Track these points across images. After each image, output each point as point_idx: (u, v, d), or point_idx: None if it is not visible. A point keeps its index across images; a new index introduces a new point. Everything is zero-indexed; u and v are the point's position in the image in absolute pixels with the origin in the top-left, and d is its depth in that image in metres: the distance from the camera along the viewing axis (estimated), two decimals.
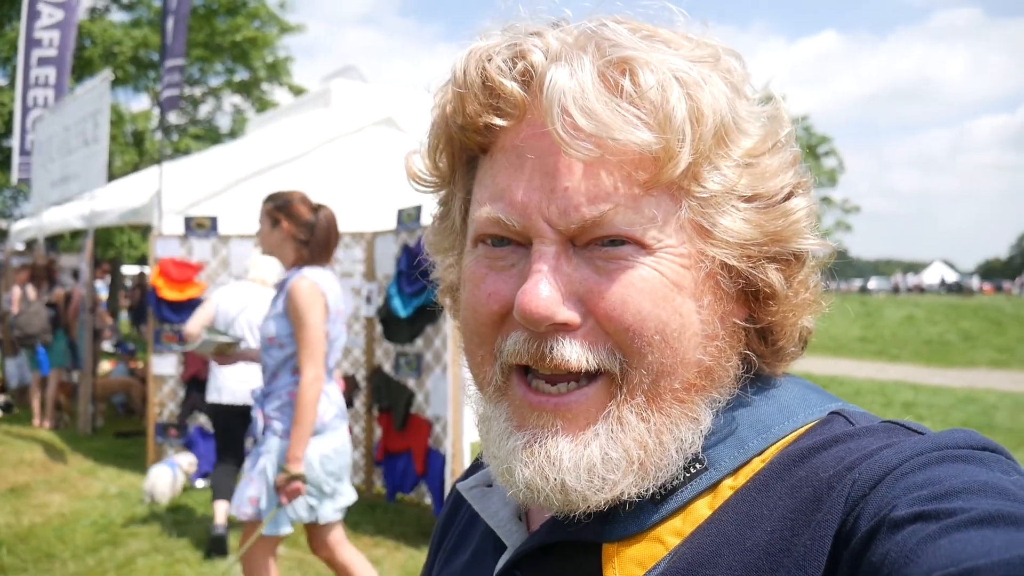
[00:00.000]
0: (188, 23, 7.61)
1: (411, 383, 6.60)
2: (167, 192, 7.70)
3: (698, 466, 0.65)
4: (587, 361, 0.63)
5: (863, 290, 47.31)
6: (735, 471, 0.65)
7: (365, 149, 8.71)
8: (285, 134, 9.03)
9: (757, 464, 0.65)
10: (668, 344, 0.63)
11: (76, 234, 13.22)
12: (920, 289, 50.19)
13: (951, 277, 66.76)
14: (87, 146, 9.10)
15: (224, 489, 5.61)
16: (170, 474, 6.66)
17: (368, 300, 6.99)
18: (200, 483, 7.09)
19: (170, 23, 7.43)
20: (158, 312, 7.43)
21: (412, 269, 6.47)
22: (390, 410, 6.71)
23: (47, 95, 12.04)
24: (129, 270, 20.48)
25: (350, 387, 7.11)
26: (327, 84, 10.80)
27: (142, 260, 18.57)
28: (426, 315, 6.43)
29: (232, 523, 5.66)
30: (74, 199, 9.52)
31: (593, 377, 0.65)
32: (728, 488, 0.64)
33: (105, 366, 11.72)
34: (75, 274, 10.95)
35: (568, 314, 0.63)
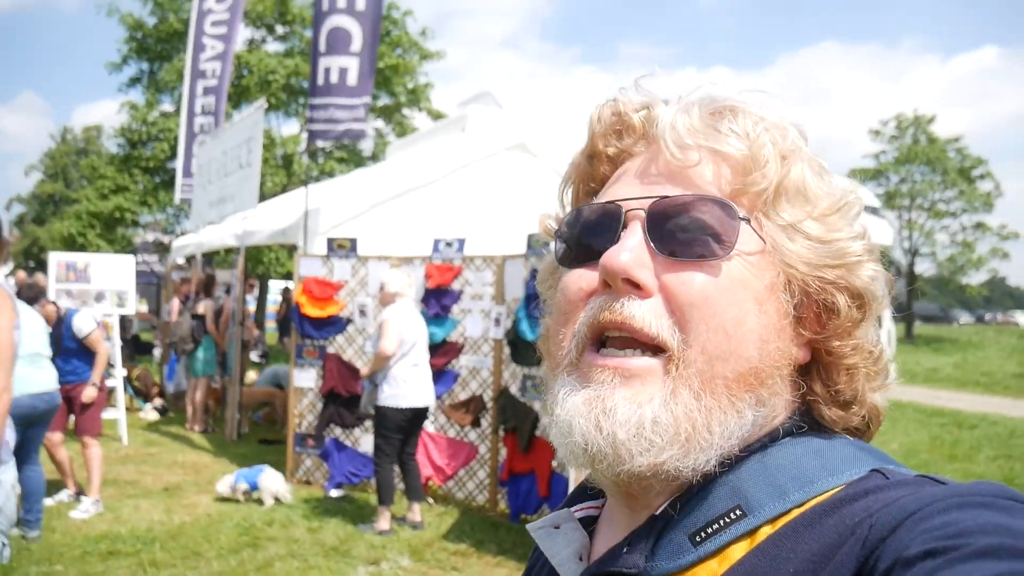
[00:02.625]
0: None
1: (537, 405, 6.68)
2: (312, 214, 8.14)
3: (738, 512, 0.68)
4: (649, 325, 0.69)
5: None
6: (773, 520, 0.67)
7: (498, 173, 8.92)
8: (422, 159, 9.36)
9: (795, 513, 0.67)
10: (724, 330, 0.69)
11: (229, 251, 14.13)
12: None
13: None
14: (241, 169, 9.74)
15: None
16: (278, 478, 7.09)
17: (497, 322, 7.14)
18: (334, 492, 7.41)
19: (338, 61, 7.91)
20: (300, 328, 7.84)
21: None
22: (515, 431, 6.80)
23: (210, 122, 12.98)
24: (276, 284, 21.66)
25: (478, 407, 7.27)
26: (463, 110, 11.13)
27: (288, 276, 19.61)
28: None
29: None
30: (229, 219, 10.18)
31: (656, 352, 0.70)
32: (765, 534, 0.67)
33: (251, 375, 12.43)
34: (228, 289, 11.70)
35: (643, 274, 0.70)
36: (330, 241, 7.82)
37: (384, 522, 6.35)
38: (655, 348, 0.70)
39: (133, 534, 6.06)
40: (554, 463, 6.47)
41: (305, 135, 21.90)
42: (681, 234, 0.71)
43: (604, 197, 0.78)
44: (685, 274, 0.70)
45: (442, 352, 7.41)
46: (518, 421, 6.78)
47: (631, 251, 0.71)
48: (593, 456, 0.69)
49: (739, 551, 0.67)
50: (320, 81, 8.01)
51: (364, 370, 6.70)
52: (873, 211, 16.91)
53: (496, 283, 7.18)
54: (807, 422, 0.75)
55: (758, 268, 0.72)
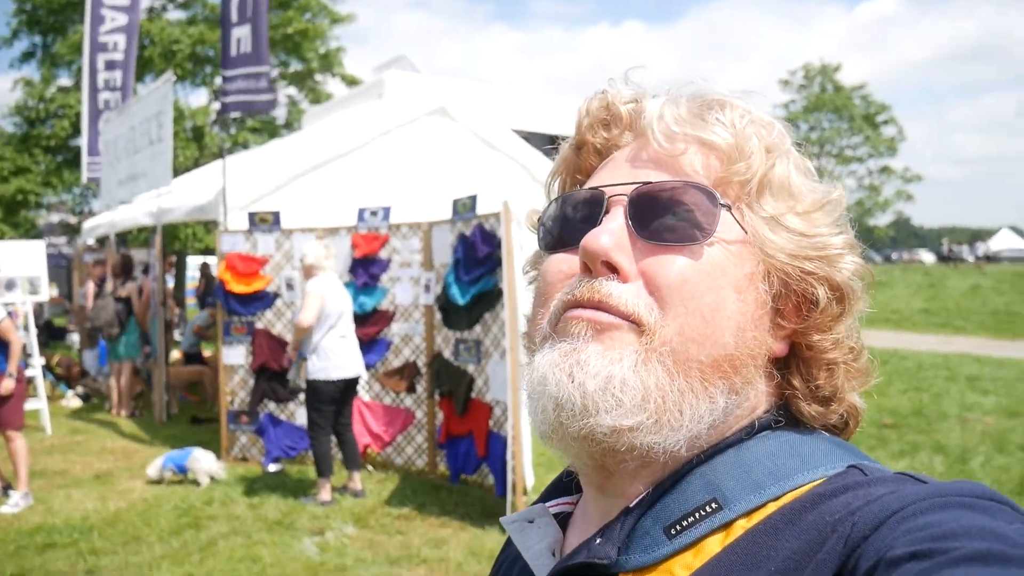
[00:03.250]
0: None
1: (471, 368, 6.77)
2: (230, 188, 7.98)
3: (714, 505, 0.68)
4: (627, 303, 0.69)
5: (948, 259, 45.74)
6: (750, 513, 0.67)
7: (419, 140, 8.87)
8: (341, 127, 9.23)
9: (772, 508, 0.67)
10: (702, 314, 0.69)
11: (143, 229, 13.71)
12: (987, 258, 48.63)
13: (1020, 244, 64.59)
14: (152, 145, 9.44)
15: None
16: (210, 457, 7.06)
17: (427, 289, 7.18)
18: (272, 467, 7.40)
19: (244, 30, 7.68)
20: (226, 305, 7.73)
21: (469, 258, 6.62)
22: (451, 395, 6.90)
23: (116, 98, 12.47)
24: (194, 260, 21.12)
25: (412, 373, 7.33)
26: (380, 75, 10.98)
27: (206, 251, 19.12)
28: (484, 302, 6.59)
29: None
30: (142, 196, 9.89)
31: (629, 319, 0.70)
32: (741, 528, 0.67)
33: (176, 355, 12.18)
34: (145, 269, 11.39)
35: (622, 258, 0.70)
36: (251, 215, 7.69)
37: (325, 493, 6.39)
38: (631, 321, 0.70)
39: (68, 524, 5.96)
40: (490, 423, 6.59)
41: (216, 106, 21.28)
42: (662, 219, 0.71)
43: (589, 184, 0.79)
44: (665, 257, 0.71)
45: (373, 321, 7.42)
46: (453, 385, 6.87)
47: (611, 234, 0.71)
48: (561, 405, 0.69)
49: (715, 545, 0.66)
50: (233, 52, 7.80)
51: (291, 344, 6.70)
52: None
53: (424, 250, 7.20)
54: (785, 417, 0.75)
55: (738, 256, 0.72)
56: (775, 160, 0.74)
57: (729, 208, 0.72)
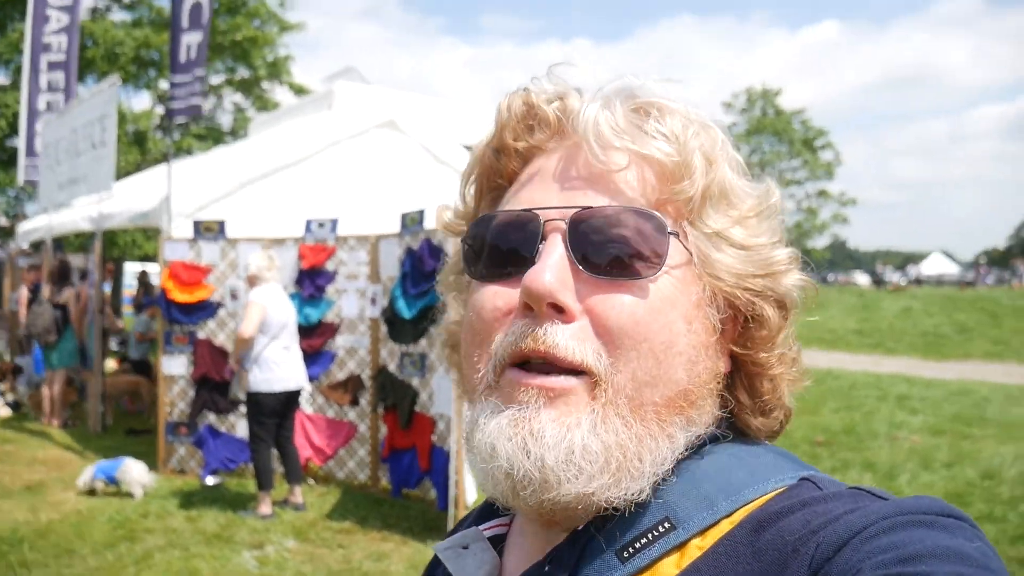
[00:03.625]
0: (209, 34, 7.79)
1: (415, 382, 6.79)
2: (175, 195, 7.88)
3: (667, 525, 0.65)
4: (573, 352, 0.65)
5: (878, 282, 47.26)
6: (703, 531, 0.65)
7: (368, 152, 8.88)
8: (289, 136, 9.19)
9: (725, 525, 0.65)
10: (654, 354, 0.65)
11: (79, 235, 13.38)
12: (917, 281, 50.28)
13: (951, 268, 66.92)
14: (95, 149, 9.26)
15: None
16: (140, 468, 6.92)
17: (373, 302, 7.19)
18: (210, 480, 7.29)
19: (196, 37, 7.62)
20: (168, 314, 7.61)
21: (416, 272, 6.65)
22: (395, 408, 6.90)
23: (57, 99, 12.19)
24: (132, 267, 20.66)
25: (356, 386, 7.31)
26: (329, 86, 10.95)
27: (145, 258, 18.75)
28: (430, 316, 6.62)
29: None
30: (81, 201, 9.68)
31: (579, 374, 0.66)
32: (696, 548, 0.64)
33: (110, 365, 11.91)
34: (83, 275, 11.13)
35: (568, 298, 0.66)
36: (196, 223, 7.61)
37: (266, 507, 6.33)
38: (579, 370, 0.67)
39: None
40: (434, 437, 6.62)
41: (160, 110, 20.93)
42: (606, 250, 0.67)
43: (517, 200, 0.73)
44: (614, 297, 0.66)
45: (318, 333, 7.39)
46: (397, 398, 6.88)
47: (554, 270, 0.66)
48: (518, 481, 0.65)
49: (670, 567, 0.64)
50: (182, 58, 7.72)
51: (232, 356, 6.65)
52: None
53: (371, 263, 7.21)
54: (731, 430, 0.73)
55: (684, 283, 0.69)
56: (716, 170, 0.70)
57: (676, 235, 0.69)
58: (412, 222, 6.80)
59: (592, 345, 0.66)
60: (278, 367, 6.29)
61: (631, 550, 0.65)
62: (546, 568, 0.68)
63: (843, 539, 0.57)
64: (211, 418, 7.58)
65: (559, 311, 0.66)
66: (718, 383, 0.72)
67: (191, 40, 7.66)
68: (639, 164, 0.69)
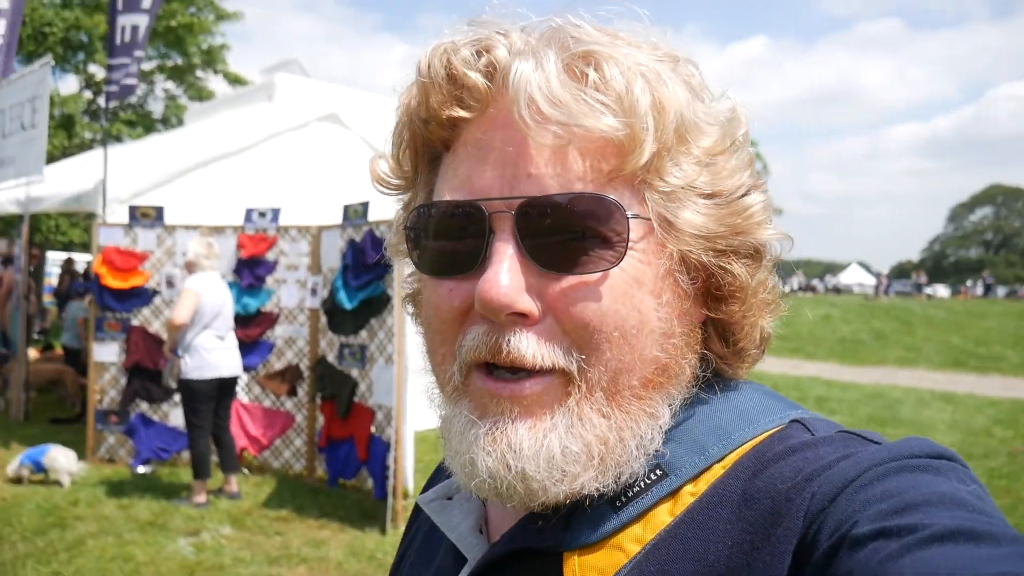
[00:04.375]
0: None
1: (355, 373, 6.85)
2: (110, 181, 7.75)
3: (659, 472, 0.65)
4: (542, 358, 0.63)
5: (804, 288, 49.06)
6: (695, 477, 0.64)
7: (310, 144, 8.87)
8: (229, 126, 9.11)
9: (717, 470, 0.64)
10: (627, 341, 0.63)
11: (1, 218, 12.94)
12: (836, 290, 52.14)
13: (868, 279, 69.43)
14: (24, 131, 9.03)
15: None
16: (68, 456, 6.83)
17: (313, 292, 7.21)
18: (141, 469, 7.20)
19: (137, 19, 7.51)
20: (100, 300, 7.48)
21: (357, 263, 6.71)
22: (334, 398, 6.94)
23: None
24: (55, 256, 20.01)
25: (294, 376, 7.32)
26: (270, 77, 10.87)
27: (69, 246, 18.19)
28: (371, 308, 6.69)
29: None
30: (7, 183, 9.41)
31: (550, 372, 0.64)
32: (689, 495, 0.64)
33: (32, 353, 11.57)
34: (5, 260, 10.80)
35: (528, 303, 0.62)
36: (132, 209, 7.50)
37: (200, 495, 6.30)
38: (548, 369, 0.64)
39: None
40: (372, 428, 6.68)
41: (88, 94, 20.34)
42: (560, 244, 0.62)
43: (457, 180, 0.67)
44: (576, 291, 0.63)
45: (256, 323, 7.38)
46: (336, 388, 6.92)
47: (508, 275, 0.62)
48: (503, 493, 0.64)
49: (664, 515, 0.64)
50: (118, 40, 7.60)
51: (166, 344, 6.62)
52: None
53: (312, 253, 7.23)
54: (710, 373, 0.71)
55: (649, 256, 0.64)
56: (667, 116, 0.63)
57: (636, 216, 0.63)
58: (355, 214, 6.86)
59: (561, 344, 0.63)
60: (209, 354, 6.27)
61: (623, 499, 0.64)
62: (539, 522, 0.66)
63: (837, 488, 0.57)
64: (143, 406, 7.49)
65: (521, 316, 0.63)
66: (696, 344, 0.69)
67: (129, 22, 7.54)
68: (583, 137, 0.62)
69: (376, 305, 6.66)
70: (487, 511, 0.76)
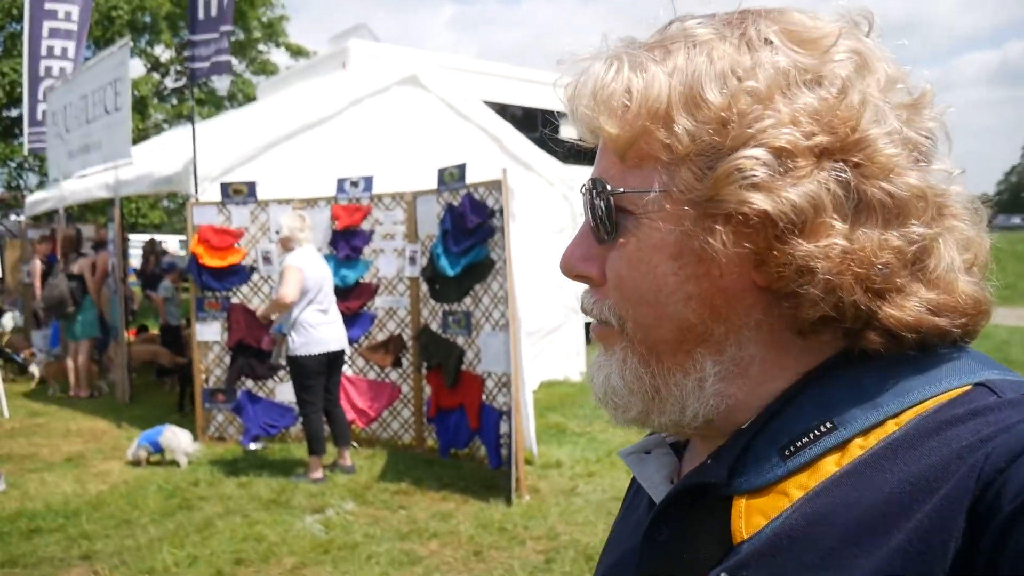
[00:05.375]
0: None
1: (460, 341, 6.71)
2: (201, 158, 7.68)
3: (829, 425, 0.64)
4: (596, 313, 0.74)
5: None
6: (866, 431, 0.63)
7: (392, 109, 8.66)
8: (307, 96, 8.96)
9: (890, 426, 0.63)
10: (646, 302, 0.69)
11: (85, 205, 13.15)
12: None
13: None
14: (108, 115, 9.04)
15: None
16: (184, 436, 6.85)
17: (412, 261, 7.06)
18: (252, 446, 7.22)
19: None
20: (199, 280, 7.48)
21: (457, 228, 6.52)
22: (440, 368, 6.82)
23: (62, 66, 11.87)
24: (136, 238, 20.40)
25: (397, 346, 7.22)
26: (342, 45, 10.68)
27: (151, 228, 18.47)
28: (474, 273, 6.51)
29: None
30: (95, 169, 9.47)
31: (608, 323, 0.74)
32: (858, 448, 0.63)
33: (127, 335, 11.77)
34: (96, 244, 10.95)
35: (584, 268, 0.74)
36: (224, 187, 7.44)
37: (317, 471, 6.26)
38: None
39: (51, 508, 5.71)
40: (483, 396, 6.54)
41: (156, 76, 20.51)
42: (599, 218, 0.71)
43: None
44: (611, 259, 0.71)
45: (356, 295, 7.28)
46: (442, 357, 6.80)
47: (575, 245, 0.75)
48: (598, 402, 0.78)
49: (830, 465, 0.63)
50: (201, 15, 7.47)
51: (260, 309, 6.56)
52: None
53: (408, 221, 7.07)
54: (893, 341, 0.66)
55: (669, 221, 0.67)
56: (643, 104, 0.66)
57: (650, 179, 0.68)
58: (451, 178, 6.66)
59: (607, 303, 0.73)
60: (316, 330, 6.18)
61: (792, 448, 0.65)
62: (708, 462, 0.70)
63: (1016, 450, 0.54)
64: (249, 384, 7.49)
65: (587, 279, 0.74)
66: (747, 305, 0.67)
67: None
68: (603, 136, 0.71)
69: (480, 270, 6.48)
70: (680, 465, 0.81)
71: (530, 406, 6.15)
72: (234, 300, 7.51)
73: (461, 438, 6.72)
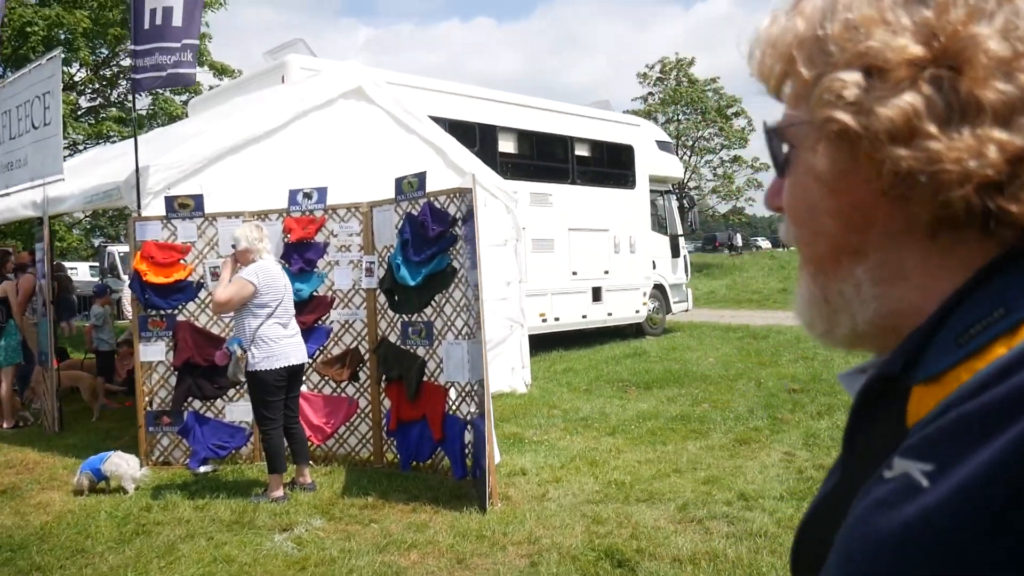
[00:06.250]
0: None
1: (421, 351, 6.62)
2: (143, 172, 7.39)
3: (1001, 311, 0.65)
4: (787, 239, 0.80)
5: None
6: None
7: (339, 122, 8.54)
8: (249, 111, 8.73)
9: None
10: (804, 222, 0.76)
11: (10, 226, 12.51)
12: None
13: None
14: (36, 130, 8.64)
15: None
16: (132, 461, 6.55)
17: (369, 272, 6.95)
18: (202, 469, 6.94)
19: (175, 2, 7.15)
20: (143, 298, 7.18)
21: (418, 238, 6.46)
22: (401, 380, 6.71)
23: None
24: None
25: (354, 360, 7.07)
26: (280, 59, 10.50)
27: (64, 252, 17.65)
28: (436, 282, 6.46)
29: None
30: (23, 186, 9.02)
31: None
32: None
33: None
34: (17, 267, 10.41)
35: (773, 201, 0.81)
36: (169, 200, 7.19)
37: (278, 490, 6.06)
38: None
39: None
40: (447, 405, 6.47)
41: (73, 96, 19.71)
42: (771, 154, 0.79)
43: None
44: (784, 189, 0.78)
45: (310, 309, 7.11)
46: (403, 369, 6.69)
47: (771, 183, 0.82)
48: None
49: (1001, 348, 0.63)
50: (146, 24, 7.22)
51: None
52: (666, 147, 18.04)
53: (364, 232, 6.96)
54: None
55: (811, 150, 0.73)
56: (778, 46, 0.75)
57: (802, 112, 0.73)
58: (410, 187, 6.60)
59: (790, 230, 0.79)
60: (276, 343, 6.02)
61: (966, 336, 0.66)
62: (888, 357, 0.72)
63: None
64: (197, 404, 7.22)
65: (779, 210, 0.81)
66: (886, 219, 0.70)
67: (156, 4, 7.15)
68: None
69: (442, 279, 6.43)
70: None
71: (490, 413, 6.10)
72: (180, 318, 7.24)
73: (424, 450, 6.62)
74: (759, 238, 75.98)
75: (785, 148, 0.77)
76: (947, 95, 0.64)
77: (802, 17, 0.73)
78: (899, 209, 0.69)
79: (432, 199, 6.41)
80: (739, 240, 47.92)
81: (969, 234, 0.68)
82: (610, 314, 15.08)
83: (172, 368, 7.24)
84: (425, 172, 6.52)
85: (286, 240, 7.10)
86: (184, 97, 18.50)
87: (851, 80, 0.67)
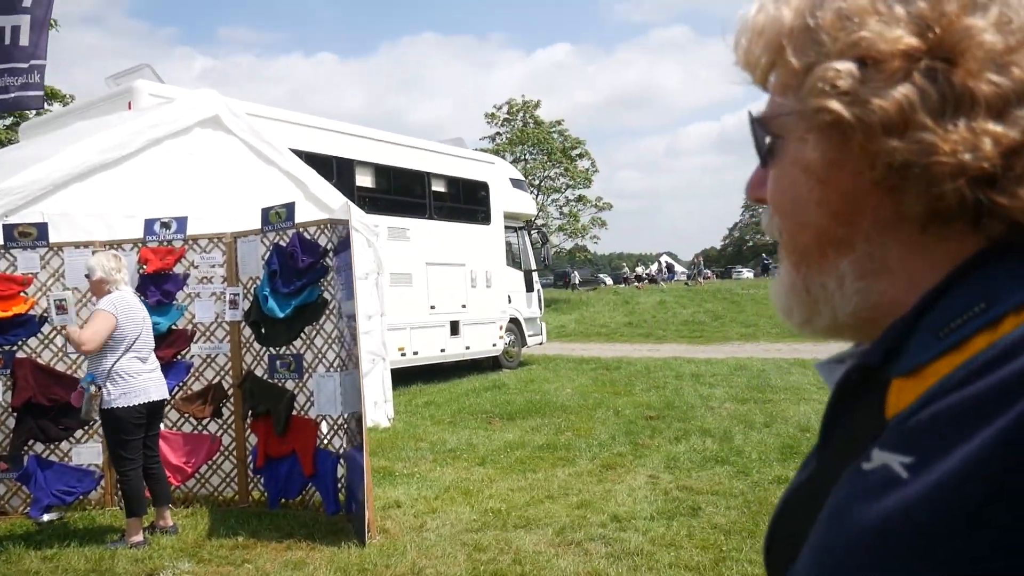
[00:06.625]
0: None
1: (290, 385, 6.47)
2: None
3: (982, 306, 0.65)
4: (770, 230, 0.80)
5: (625, 280, 51.02)
6: (1019, 308, 0.62)
7: (194, 150, 8.25)
8: (96, 136, 8.27)
9: None
10: (789, 212, 0.76)
11: None
12: (652, 280, 54.69)
13: (677, 268, 73.72)
14: None
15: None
16: None
17: (233, 304, 6.73)
18: (45, 517, 6.43)
19: (22, 20, 6.68)
20: None
21: (287, 269, 6.34)
22: (268, 415, 6.52)
23: None
24: None
25: (217, 396, 6.80)
26: (128, 84, 10.01)
27: None
28: (306, 314, 6.36)
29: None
30: None
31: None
32: (1011, 324, 0.62)
33: None
34: None
35: (756, 192, 0.80)
36: (8, 228, 6.69)
37: (138, 535, 5.71)
38: None
39: None
40: (318, 439, 6.34)
41: None
42: (755, 144, 0.79)
43: None
44: (768, 180, 0.78)
45: (168, 343, 6.79)
46: (270, 404, 6.51)
47: (754, 173, 0.81)
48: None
49: (981, 342, 0.62)
50: (25, 41, 6.72)
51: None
52: (519, 184, 18.51)
53: (228, 263, 6.75)
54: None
55: (799, 135, 0.73)
56: (763, 36, 0.75)
57: (786, 102, 0.74)
58: (277, 218, 6.48)
59: (774, 221, 0.79)
60: (134, 379, 5.73)
61: (948, 329, 0.65)
62: (867, 347, 0.73)
63: None
64: (39, 448, 6.69)
65: (761, 201, 0.80)
66: (874, 209, 0.71)
67: (8, 23, 6.69)
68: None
69: (312, 311, 6.34)
70: None
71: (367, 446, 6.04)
72: (20, 355, 6.71)
73: (293, 487, 6.45)
74: (601, 274, 78.66)
75: (769, 139, 0.76)
76: (941, 87, 0.63)
77: (790, 6, 0.72)
78: (889, 201, 0.69)
79: (302, 230, 6.32)
80: (577, 278, 49.56)
81: (956, 227, 0.67)
82: (468, 347, 15.19)
83: (10, 409, 6.69)
84: (293, 203, 6.43)
85: (142, 271, 6.76)
86: (7, 121, 17.22)
87: (845, 70, 0.67)
